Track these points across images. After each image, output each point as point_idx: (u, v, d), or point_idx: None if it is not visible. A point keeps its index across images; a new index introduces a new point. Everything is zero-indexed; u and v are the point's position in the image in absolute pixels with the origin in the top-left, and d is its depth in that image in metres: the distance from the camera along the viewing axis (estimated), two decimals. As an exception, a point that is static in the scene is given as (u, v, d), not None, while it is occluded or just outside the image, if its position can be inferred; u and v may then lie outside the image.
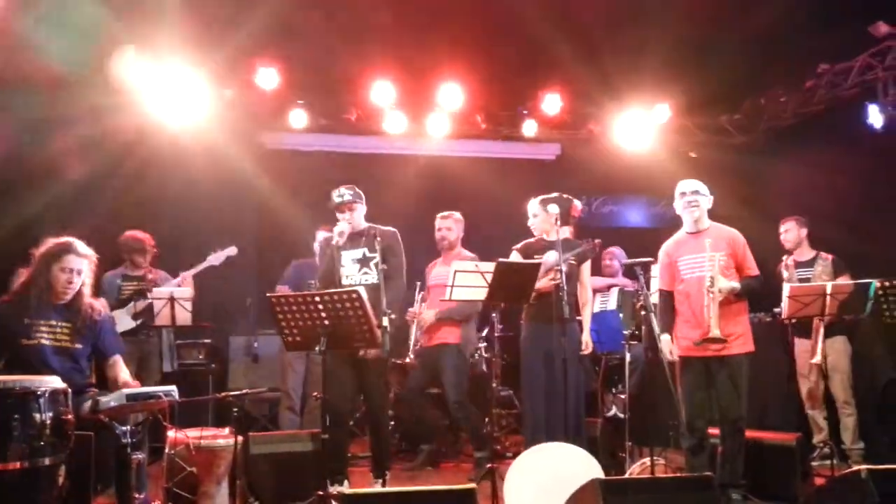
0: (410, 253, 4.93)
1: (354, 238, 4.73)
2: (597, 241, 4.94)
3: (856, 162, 6.71)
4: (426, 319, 5.50)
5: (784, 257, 5.71)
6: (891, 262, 5.33)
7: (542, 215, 5.06)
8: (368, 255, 4.69)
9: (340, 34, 6.37)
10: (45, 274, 3.78)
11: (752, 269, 4.49)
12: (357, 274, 4.68)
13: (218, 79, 6.94)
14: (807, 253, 5.71)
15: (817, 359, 4.95)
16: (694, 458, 4.42)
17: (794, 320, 5.12)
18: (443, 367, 5.42)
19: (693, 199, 4.52)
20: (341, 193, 4.79)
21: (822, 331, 4.99)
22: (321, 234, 5.94)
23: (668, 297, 4.59)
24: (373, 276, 4.64)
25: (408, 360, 5.62)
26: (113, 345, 3.99)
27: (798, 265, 5.67)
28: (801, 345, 5.59)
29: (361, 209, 4.85)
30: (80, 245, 3.85)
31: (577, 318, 4.98)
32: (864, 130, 6.62)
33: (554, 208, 4.91)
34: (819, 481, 4.71)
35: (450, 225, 5.64)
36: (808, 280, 5.33)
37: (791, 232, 5.74)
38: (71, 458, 3.06)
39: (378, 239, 4.65)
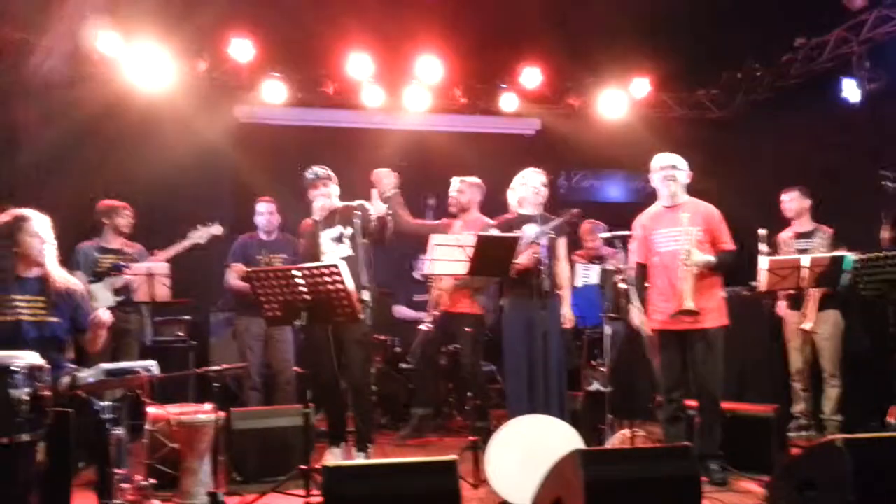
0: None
1: (329, 217, 4.79)
2: (575, 210, 4.94)
3: (831, 135, 6.77)
4: (444, 288, 5.42)
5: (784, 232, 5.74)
6: (866, 236, 5.39)
7: (519, 189, 5.05)
8: (345, 231, 4.76)
9: (316, 5, 6.28)
10: (10, 247, 3.68)
11: (728, 244, 4.54)
12: (335, 250, 4.72)
13: (191, 50, 6.81)
14: (807, 224, 5.73)
15: (808, 325, 5.01)
16: (671, 427, 4.50)
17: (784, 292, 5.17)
18: (462, 335, 5.40)
19: (670, 173, 4.55)
20: (315, 172, 4.86)
21: (815, 299, 5.04)
22: (262, 206, 5.90)
23: (642, 269, 4.63)
24: (347, 249, 4.70)
25: (426, 326, 5.57)
26: (88, 318, 3.92)
27: (798, 236, 5.71)
28: (792, 315, 5.66)
29: (335, 188, 4.91)
30: (31, 211, 3.76)
31: (558, 292, 4.98)
32: (840, 104, 6.67)
33: (535, 179, 4.91)
34: (796, 451, 4.80)
35: (461, 188, 5.59)
36: (805, 251, 5.37)
37: (794, 201, 5.72)
38: (50, 435, 3.02)
39: (349, 212, 4.72)
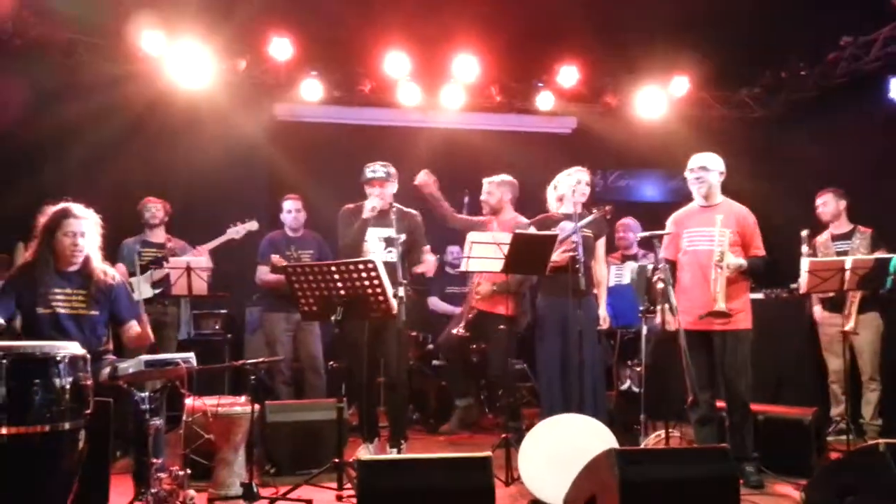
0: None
1: (382, 215, 4.76)
2: (607, 206, 4.91)
3: (877, 136, 6.63)
4: (483, 293, 5.39)
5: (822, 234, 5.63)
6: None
7: (560, 187, 5.03)
8: (395, 235, 4.69)
9: (354, 4, 6.32)
10: (49, 242, 3.79)
11: (760, 250, 4.48)
12: (382, 252, 4.71)
13: (231, 49, 6.91)
14: (845, 226, 5.63)
15: (850, 325, 4.94)
16: (701, 429, 4.46)
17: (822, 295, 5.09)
18: (490, 337, 5.41)
19: (699, 174, 4.51)
20: (374, 169, 4.81)
21: (857, 301, 4.96)
22: (289, 203, 5.95)
23: (671, 267, 4.58)
24: (395, 255, 4.65)
25: (459, 331, 5.56)
26: (129, 310, 4.01)
27: (835, 238, 5.61)
28: (828, 318, 5.56)
29: (392, 187, 4.88)
30: (77, 208, 3.85)
31: (595, 291, 4.95)
32: (886, 104, 6.52)
33: (573, 178, 4.89)
34: (834, 455, 4.71)
35: (490, 189, 5.53)
36: (845, 253, 5.27)
37: (829, 204, 5.65)
38: (90, 424, 3.08)
39: (406, 222, 4.75)
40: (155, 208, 5.88)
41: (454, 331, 5.64)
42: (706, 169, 4.50)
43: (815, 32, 6.78)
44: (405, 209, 4.91)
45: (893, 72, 6.53)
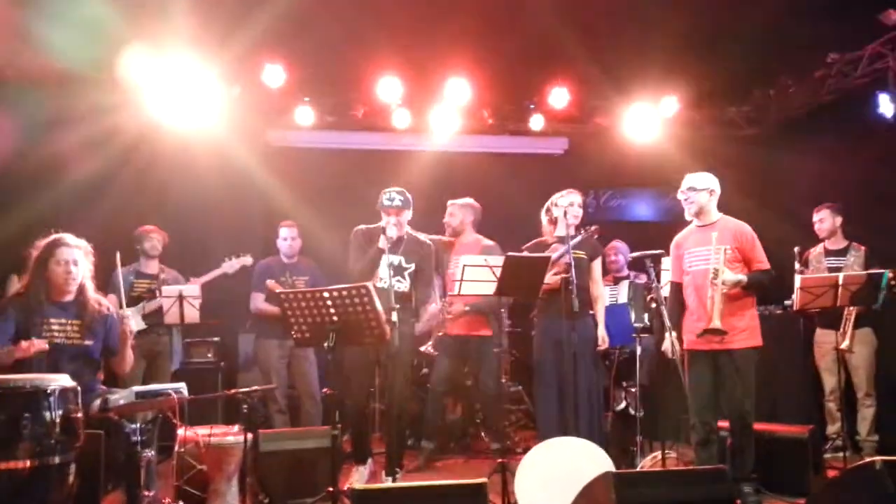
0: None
1: (395, 243, 4.73)
2: (593, 227, 4.93)
3: (867, 152, 6.64)
4: (455, 312, 5.44)
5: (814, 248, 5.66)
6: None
7: (552, 210, 5.06)
8: (405, 264, 4.72)
9: (347, 31, 6.35)
10: (43, 273, 3.80)
11: (763, 263, 4.44)
12: (390, 279, 4.65)
13: (225, 76, 6.94)
14: (840, 242, 5.67)
15: (845, 344, 4.93)
16: (703, 451, 4.40)
17: (816, 311, 5.10)
18: (480, 357, 5.43)
19: (688, 195, 4.52)
20: (391, 197, 4.77)
21: (852, 318, 4.96)
22: (285, 230, 5.96)
23: (677, 288, 4.59)
24: (405, 286, 4.70)
25: (427, 349, 5.57)
26: (119, 341, 3.99)
27: (829, 253, 5.64)
28: (823, 335, 5.55)
29: (408, 214, 4.86)
30: (69, 237, 3.89)
31: (591, 312, 4.95)
32: (875, 120, 6.55)
33: (565, 200, 4.91)
34: (832, 473, 4.68)
35: (452, 211, 5.63)
36: (838, 269, 5.28)
37: (826, 221, 5.69)
38: (81, 457, 3.06)
39: (417, 251, 4.79)
40: (157, 239, 5.86)
41: (422, 348, 5.66)
42: (694, 189, 4.51)
43: (803, 50, 6.82)
44: (419, 237, 4.91)
45: (881, 87, 6.57)
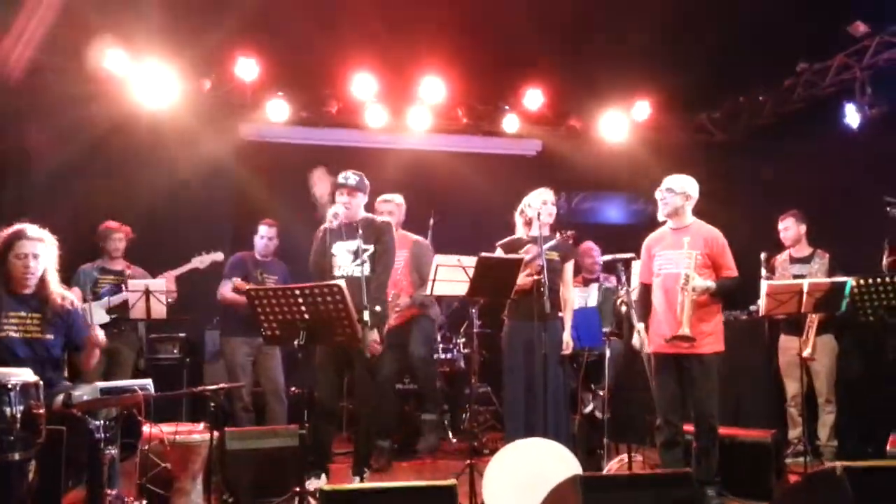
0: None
1: (350, 229, 4.60)
2: (570, 232, 4.96)
3: (833, 160, 6.77)
4: (402, 304, 5.52)
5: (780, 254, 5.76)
6: (867, 260, 5.38)
7: (526, 210, 5.07)
8: (364, 246, 4.54)
9: (321, 26, 6.31)
10: (2, 266, 3.71)
11: (731, 270, 4.49)
12: (350, 265, 4.58)
13: (196, 69, 6.86)
14: (805, 249, 5.75)
15: (808, 352, 5.01)
16: (667, 453, 4.45)
17: (781, 317, 5.17)
18: (410, 333, 5.54)
19: (664, 195, 4.56)
20: (346, 176, 4.68)
21: (815, 326, 5.04)
22: (264, 229, 5.91)
23: (646, 290, 4.62)
24: (367, 269, 4.53)
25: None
26: (83, 336, 3.91)
27: (794, 261, 5.72)
28: (787, 341, 5.64)
29: (362, 199, 4.76)
30: (30, 229, 3.77)
31: (560, 314, 4.97)
32: (842, 129, 6.68)
33: (538, 199, 4.93)
34: (793, 478, 4.75)
35: (391, 209, 5.63)
36: (802, 276, 5.36)
37: (790, 229, 5.77)
38: (42, 453, 2.99)
39: (373, 230, 4.64)
40: (117, 238, 5.74)
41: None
42: (671, 190, 4.54)
43: (773, 58, 6.93)
44: (374, 219, 4.78)
45: (848, 97, 6.71)
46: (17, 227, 3.77)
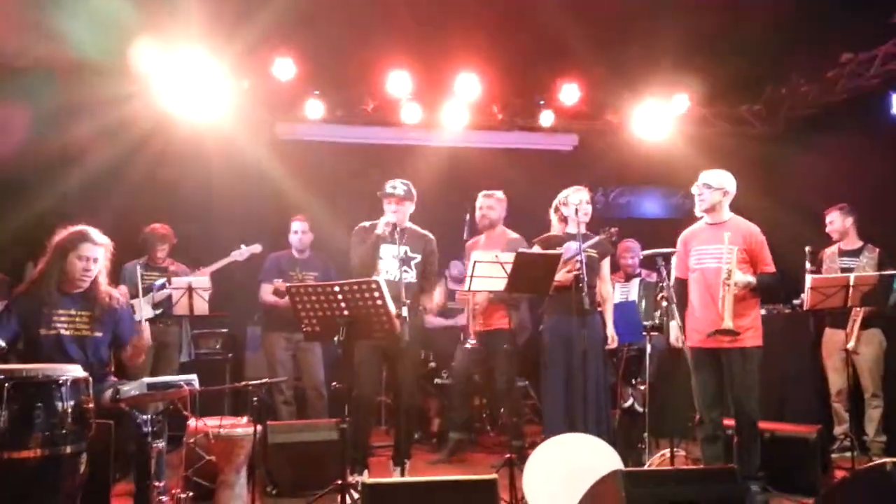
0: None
1: (398, 235, 4.71)
2: (613, 229, 4.92)
3: (878, 152, 6.64)
4: (480, 302, 5.38)
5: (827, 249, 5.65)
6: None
7: (561, 208, 5.05)
8: (410, 254, 4.75)
9: (357, 25, 6.34)
10: (60, 263, 3.78)
11: (769, 266, 4.45)
12: (397, 271, 4.66)
13: (235, 69, 6.94)
14: (854, 242, 5.65)
15: (851, 344, 4.93)
16: (709, 447, 4.42)
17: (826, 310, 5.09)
18: (494, 353, 5.39)
19: (701, 191, 4.52)
20: (395, 185, 4.81)
21: (859, 319, 4.95)
22: (297, 224, 5.96)
23: (681, 285, 4.58)
24: (412, 276, 4.72)
25: (470, 345, 5.50)
26: (131, 333, 4.00)
27: (843, 254, 5.64)
28: (832, 335, 5.54)
29: (409, 207, 4.89)
30: (95, 233, 3.85)
31: (598, 309, 4.95)
32: (887, 120, 6.54)
33: (575, 198, 4.90)
34: (839, 473, 4.67)
35: (491, 204, 5.59)
36: (850, 270, 5.27)
37: (836, 223, 5.69)
38: (91, 447, 3.06)
39: (421, 243, 4.80)
40: (162, 248, 5.82)
41: (467, 345, 5.59)
42: (709, 186, 4.49)
43: (816, 49, 6.80)
44: (420, 230, 4.93)
45: (894, 88, 6.56)
46: (81, 227, 3.85)
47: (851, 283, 4.61)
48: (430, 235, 4.98)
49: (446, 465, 5.48)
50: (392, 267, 4.72)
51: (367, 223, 4.89)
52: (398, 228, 4.70)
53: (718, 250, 4.36)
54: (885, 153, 6.58)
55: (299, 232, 5.97)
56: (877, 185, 6.41)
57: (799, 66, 7.28)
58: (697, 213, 4.58)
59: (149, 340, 4.05)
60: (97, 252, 3.82)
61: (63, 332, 3.73)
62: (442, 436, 6.06)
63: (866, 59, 6.76)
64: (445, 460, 5.61)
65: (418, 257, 4.78)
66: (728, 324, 4.20)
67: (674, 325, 4.47)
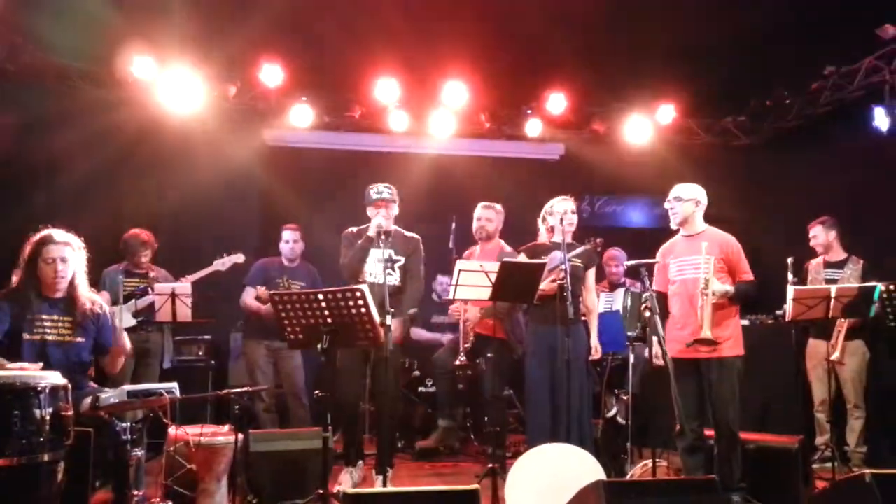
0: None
1: (383, 238, 4.76)
2: (598, 240, 4.93)
3: (862, 164, 6.69)
4: (471, 319, 5.30)
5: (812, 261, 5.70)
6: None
7: (548, 218, 5.06)
8: (395, 256, 4.82)
9: (345, 32, 6.35)
10: (33, 271, 3.77)
11: (748, 274, 4.48)
12: (381, 274, 4.68)
13: (222, 75, 6.93)
14: (839, 254, 5.69)
15: (836, 356, 4.95)
16: (690, 458, 4.43)
17: (807, 322, 5.13)
18: (485, 360, 5.33)
19: (673, 205, 4.56)
20: (380, 190, 4.89)
21: (844, 330, 4.98)
22: (288, 233, 5.94)
23: (660, 298, 4.59)
24: (396, 278, 4.78)
25: (460, 361, 5.45)
26: (112, 340, 3.97)
27: (828, 265, 5.68)
28: (815, 345, 5.58)
29: (395, 209, 4.95)
30: (57, 233, 3.83)
31: (583, 319, 4.96)
32: (870, 133, 6.59)
33: (560, 207, 4.92)
34: (820, 484, 4.69)
35: (490, 216, 5.56)
36: (834, 281, 5.30)
37: (819, 237, 5.73)
38: (70, 455, 3.04)
39: (406, 245, 4.87)
40: (144, 254, 5.70)
41: (456, 362, 5.55)
42: (680, 199, 4.54)
43: (800, 61, 6.86)
44: (407, 233, 4.99)
45: (877, 100, 6.61)
46: (43, 232, 3.83)
47: (833, 294, 4.64)
48: (417, 237, 5.05)
49: (429, 476, 5.47)
50: (377, 270, 4.77)
51: (354, 228, 4.95)
52: (386, 231, 4.74)
53: (697, 261, 4.40)
54: (868, 165, 6.64)
55: (290, 241, 5.95)
56: (860, 196, 6.46)
57: (783, 79, 7.34)
58: (673, 226, 4.61)
59: (128, 348, 4.01)
60: (63, 251, 3.79)
61: (47, 337, 3.72)
62: (427, 430, 6.05)
63: (850, 72, 6.82)
64: (430, 447, 5.59)
65: (402, 259, 4.84)
66: (706, 333, 4.23)
67: (655, 341, 4.47)
